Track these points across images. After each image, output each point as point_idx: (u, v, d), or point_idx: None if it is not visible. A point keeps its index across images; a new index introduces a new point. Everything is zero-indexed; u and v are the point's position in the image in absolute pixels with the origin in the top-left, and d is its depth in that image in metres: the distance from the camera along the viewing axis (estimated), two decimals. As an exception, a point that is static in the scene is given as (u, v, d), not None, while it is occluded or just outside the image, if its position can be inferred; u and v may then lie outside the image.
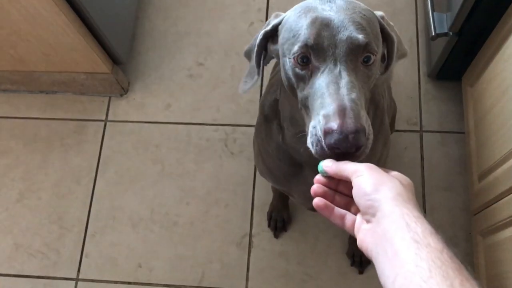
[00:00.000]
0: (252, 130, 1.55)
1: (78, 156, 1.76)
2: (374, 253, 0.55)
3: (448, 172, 1.62)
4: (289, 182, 1.06)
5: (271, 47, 0.82)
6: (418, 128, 1.68)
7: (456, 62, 1.57)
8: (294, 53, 0.70)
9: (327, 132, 0.62)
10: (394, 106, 1.44)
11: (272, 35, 0.80)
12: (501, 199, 1.24)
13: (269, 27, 0.80)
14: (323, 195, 0.65)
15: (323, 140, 0.63)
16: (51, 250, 1.64)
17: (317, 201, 0.64)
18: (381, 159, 1.03)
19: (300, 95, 0.72)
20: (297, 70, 0.71)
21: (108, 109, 1.82)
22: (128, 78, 1.84)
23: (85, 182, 1.72)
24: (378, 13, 0.78)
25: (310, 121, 0.68)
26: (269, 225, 1.60)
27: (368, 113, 0.74)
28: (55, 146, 1.78)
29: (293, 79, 0.72)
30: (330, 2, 0.71)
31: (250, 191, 1.66)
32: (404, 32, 1.83)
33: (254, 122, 1.72)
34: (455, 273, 0.48)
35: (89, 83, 1.76)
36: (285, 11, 0.80)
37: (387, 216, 0.55)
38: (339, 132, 0.61)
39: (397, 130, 1.65)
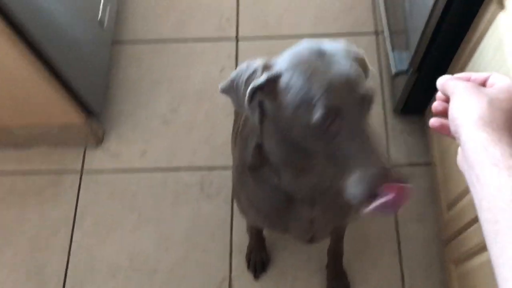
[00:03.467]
0: (227, 171, 1.59)
1: (55, 208, 1.76)
2: (466, 178, 0.55)
3: (419, 203, 1.66)
4: (283, 220, 1.07)
5: (266, 103, 0.80)
6: (387, 162, 1.73)
7: (418, 97, 1.64)
8: (316, 120, 0.70)
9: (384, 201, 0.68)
10: None
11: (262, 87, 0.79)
12: (470, 227, 1.28)
13: (261, 81, 0.76)
14: (440, 112, 0.64)
15: (379, 196, 0.68)
16: (29, 306, 1.61)
17: (432, 121, 0.64)
18: None
19: (320, 151, 0.76)
20: (318, 134, 0.72)
21: (83, 160, 1.83)
22: (103, 128, 1.86)
23: (62, 234, 1.71)
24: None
25: (345, 173, 0.71)
26: (248, 267, 1.61)
27: None
28: (32, 199, 1.78)
29: (309, 141, 0.76)
30: (331, 54, 0.73)
31: (228, 233, 1.67)
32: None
33: (229, 163, 1.74)
34: None
35: (63, 135, 1.78)
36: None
37: (467, 141, 0.54)
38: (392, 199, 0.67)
39: (368, 165, 1.70)
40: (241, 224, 1.65)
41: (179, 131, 1.86)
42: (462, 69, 1.30)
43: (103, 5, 1.82)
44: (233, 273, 1.61)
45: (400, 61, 1.56)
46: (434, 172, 1.59)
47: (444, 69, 1.44)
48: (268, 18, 2.07)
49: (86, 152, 1.85)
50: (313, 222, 1.06)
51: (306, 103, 0.71)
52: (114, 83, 1.97)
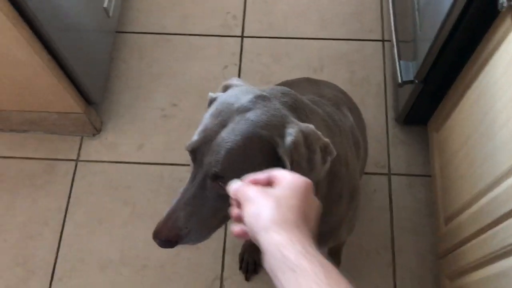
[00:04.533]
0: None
1: (47, 196, 1.73)
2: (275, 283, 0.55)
3: (416, 215, 1.65)
4: None
5: None
6: (386, 171, 1.73)
7: (422, 108, 1.64)
8: (186, 147, 0.78)
9: (154, 233, 0.79)
10: (366, 152, 1.46)
11: None
12: (467, 243, 1.27)
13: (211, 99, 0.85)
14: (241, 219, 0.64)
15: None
16: (15, 295, 1.59)
17: (235, 229, 0.64)
18: (349, 215, 1.07)
19: None
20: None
21: (79, 149, 1.80)
22: (101, 118, 1.84)
23: (54, 223, 1.69)
24: (286, 142, 0.74)
25: None
26: (240, 267, 1.59)
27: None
28: (24, 186, 1.75)
29: None
30: (238, 113, 0.76)
31: (222, 232, 1.65)
32: (372, 78, 1.90)
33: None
34: None
35: (61, 122, 1.75)
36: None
37: (265, 248, 0.55)
38: (154, 234, 0.79)
39: (366, 173, 1.69)
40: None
41: (177, 126, 1.84)
42: (470, 83, 1.29)
43: (109, -7, 1.79)
44: (225, 273, 1.60)
45: (406, 70, 1.55)
46: (434, 184, 1.58)
47: (451, 81, 1.43)
48: (275, 18, 2.05)
49: (83, 141, 1.82)
50: None
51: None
52: (115, 74, 1.94)
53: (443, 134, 1.50)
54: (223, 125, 0.76)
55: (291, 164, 0.73)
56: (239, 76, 1.91)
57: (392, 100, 1.84)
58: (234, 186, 0.64)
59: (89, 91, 1.69)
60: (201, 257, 1.62)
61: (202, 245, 1.61)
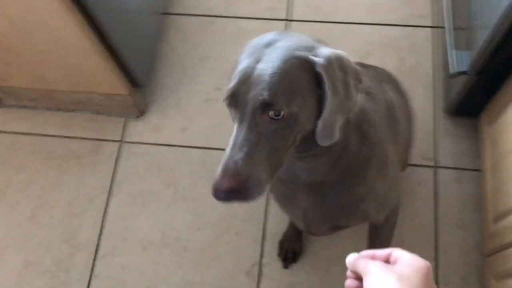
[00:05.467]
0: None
1: (92, 175, 1.77)
2: None
3: (463, 210, 1.60)
4: (286, 203, 1.11)
5: None
6: (432, 164, 1.68)
7: (474, 100, 1.57)
8: (224, 97, 0.77)
9: (214, 187, 0.74)
10: (410, 140, 1.42)
11: None
12: (518, 244, 1.23)
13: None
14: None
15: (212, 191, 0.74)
16: (61, 270, 1.64)
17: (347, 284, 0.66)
18: (377, 187, 1.02)
19: None
20: (229, 111, 0.78)
21: (124, 130, 1.83)
22: (145, 100, 1.85)
23: (98, 202, 1.73)
24: (324, 53, 0.77)
25: None
26: (279, 255, 1.59)
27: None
28: (70, 164, 1.79)
29: None
30: (264, 48, 0.76)
31: (261, 219, 1.65)
32: (421, 66, 1.84)
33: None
34: None
35: (106, 103, 1.78)
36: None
37: None
38: (214, 189, 0.74)
39: (411, 165, 1.64)
40: (276, 211, 1.63)
41: (221, 110, 1.82)
42: (530, 77, 1.22)
43: (156, -25, 1.79)
44: (264, 260, 1.60)
45: (460, 60, 1.48)
46: (483, 180, 1.52)
47: (508, 74, 1.36)
48: (322, 2, 2.00)
49: (127, 123, 1.84)
50: (306, 212, 1.05)
51: (231, 78, 0.78)
52: (159, 56, 1.95)
53: (498, 129, 1.44)
54: (257, 60, 0.75)
55: (330, 86, 0.75)
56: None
57: (441, 90, 1.78)
58: (352, 257, 0.65)
59: (134, 73, 1.71)
60: (240, 242, 1.63)
61: (242, 230, 1.64)
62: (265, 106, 0.72)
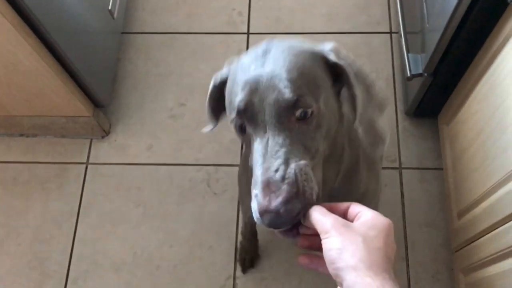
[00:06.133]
0: (235, 169, 1.57)
1: (59, 200, 1.74)
2: None
3: (429, 209, 1.64)
4: None
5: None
6: (397, 165, 1.71)
7: (432, 101, 1.61)
8: (232, 121, 0.68)
9: (261, 214, 0.61)
10: None
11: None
12: (481, 237, 1.26)
13: (218, 81, 0.79)
14: (308, 247, 0.64)
15: (261, 221, 0.62)
16: (31, 298, 1.60)
17: (301, 259, 0.64)
18: (369, 191, 1.02)
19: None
20: (240, 137, 0.71)
21: (89, 152, 1.81)
22: (109, 120, 1.84)
23: (66, 226, 1.70)
24: (328, 46, 0.72)
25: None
26: (238, 260, 1.60)
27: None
28: (36, 190, 1.76)
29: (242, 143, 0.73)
30: (263, 55, 0.68)
31: (233, 231, 1.65)
32: (381, 71, 1.88)
33: (236, 161, 1.74)
34: None
35: (70, 126, 1.76)
36: None
37: (352, 287, 0.54)
38: (269, 211, 0.60)
39: (378, 168, 1.67)
40: (247, 223, 1.63)
41: (186, 126, 1.84)
42: (481, 76, 1.26)
43: (113, -5, 1.78)
44: (238, 272, 1.60)
45: (415, 63, 1.53)
46: (446, 178, 1.56)
47: (461, 74, 1.41)
48: (281, 14, 2.03)
49: (92, 144, 1.83)
50: None
51: (229, 104, 0.70)
52: (121, 75, 1.94)
53: (454, 127, 1.48)
54: (261, 66, 0.67)
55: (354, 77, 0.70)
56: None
57: (401, 93, 1.82)
58: (313, 213, 0.61)
59: (96, 94, 1.69)
60: (214, 256, 1.62)
61: (214, 244, 1.63)
62: (291, 106, 0.64)
